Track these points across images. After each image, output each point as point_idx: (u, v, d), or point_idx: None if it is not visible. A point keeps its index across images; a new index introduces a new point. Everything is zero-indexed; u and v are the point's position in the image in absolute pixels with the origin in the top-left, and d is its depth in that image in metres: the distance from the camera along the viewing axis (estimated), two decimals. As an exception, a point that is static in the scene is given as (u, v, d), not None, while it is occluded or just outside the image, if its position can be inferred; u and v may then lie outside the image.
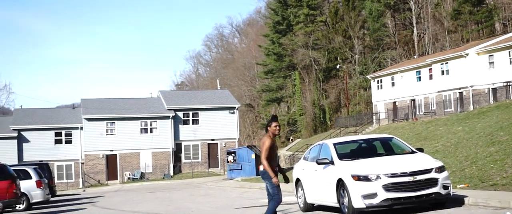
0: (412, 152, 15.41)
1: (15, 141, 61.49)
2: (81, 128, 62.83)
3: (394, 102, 64.70)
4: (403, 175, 13.78)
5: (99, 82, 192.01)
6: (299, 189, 17.33)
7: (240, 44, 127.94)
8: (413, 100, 62.01)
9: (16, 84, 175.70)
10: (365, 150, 15.84)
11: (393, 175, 13.78)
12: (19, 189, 24.23)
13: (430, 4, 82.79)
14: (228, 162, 52.77)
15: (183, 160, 64.49)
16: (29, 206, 27.73)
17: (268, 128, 12.25)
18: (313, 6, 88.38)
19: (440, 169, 14.13)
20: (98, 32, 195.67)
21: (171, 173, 62.76)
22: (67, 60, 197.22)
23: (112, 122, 63.09)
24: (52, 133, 63.02)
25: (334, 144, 15.89)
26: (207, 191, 34.47)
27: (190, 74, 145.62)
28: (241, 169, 49.81)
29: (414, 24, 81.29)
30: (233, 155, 52.41)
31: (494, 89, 50.76)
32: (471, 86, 53.35)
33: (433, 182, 13.85)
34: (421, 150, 15.64)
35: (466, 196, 15.13)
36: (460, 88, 54.85)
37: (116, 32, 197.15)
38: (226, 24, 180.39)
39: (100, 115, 62.73)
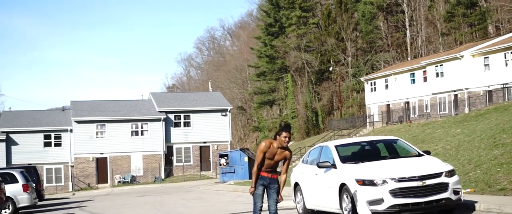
0: (419, 155, 14.50)
1: (4, 144, 60.34)
2: (71, 131, 61.79)
3: (388, 105, 64.05)
4: (411, 179, 12.87)
5: (90, 85, 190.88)
6: (298, 193, 16.50)
7: (232, 46, 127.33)
8: (407, 102, 61.37)
9: (6, 87, 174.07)
10: (369, 152, 14.95)
11: (401, 180, 12.88)
12: (4, 193, 23.31)
13: (423, 7, 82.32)
14: (220, 165, 51.93)
15: (175, 163, 63.56)
16: (16, 211, 26.79)
17: (277, 136, 11.33)
18: (305, 8, 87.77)
19: (451, 173, 13.24)
20: (90, 35, 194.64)
21: (163, 176, 61.84)
22: (58, 63, 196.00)
23: (102, 125, 62.09)
24: (41, 135, 61.93)
25: (336, 146, 15.00)
26: (200, 195, 33.66)
27: (181, 77, 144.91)
28: (234, 172, 49.00)
29: (407, 27, 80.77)
30: (225, 158, 51.58)
31: (490, 92, 50.18)
32: (466, 88, 52.73)
33: (443, 187, 12.95)
34: (428, 152, 14.75)
35: (476, 202, 14.32)
36: (455, 91, 54.24)
37: (107, 35, 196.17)
38: (218, 27, 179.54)
39: (90, 117, 61.72)
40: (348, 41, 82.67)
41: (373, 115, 64.12)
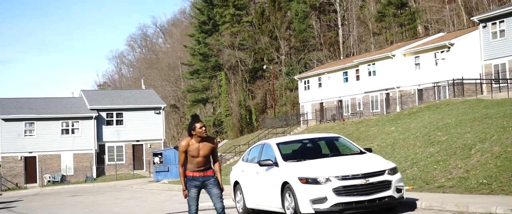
0: (361, 152, 14.37)
1: None
2: (-2, 129, 59.96)
3: (321, 103, 64.53)
4: (355, 177, 12.72)
5: (19, 83, 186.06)
6: (238, 192, 16.20)
7: (165, 44, 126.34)
8: (340, 101, 61.96)
9: None
10: (311, 150, 14.75)
11: (344, 178, 12.72)
12: None
13: (355, 6, 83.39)
14: (154, 163, 51.27)
15: (107, 162, 62.44)
16: None
17: (192, 131, 10.24)
18: (239, 6, 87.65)
19: (393, 171, 13.16)
20: (20, 32, 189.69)
21: (94, 176, 60.66)
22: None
23: (31, 122, 60.44)
24: (-33, 134, 59.92)
25: (278, 144, 14.72)
26: (133, 194, 33.05)
27: (113, 75, 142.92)
28: (168, 171, 48.42)
29: (340, 26, 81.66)
30: (159, 156, 50.97)
31: (420, 90, 51.09)
32: (398, 87, 53.55)
33: (386, 185, 12.86)
34: (369, 150, 14.64)
35: (417, 199, 14.34)
36: (386, 89, 55.01)
37: (37, 32, 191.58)
38: (150, 24, 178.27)
39: (18, 115, 59.98)
40: (281, 39, 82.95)
41: (306, 113, 64.50)
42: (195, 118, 10.38)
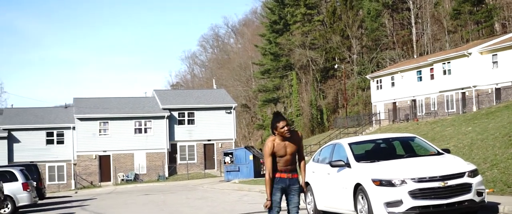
0: (439, 153, 13.63)
1: (5, 141, 59.73)
2: (74, 128, 61.11)
3: (394, 103, 63.31)
4: (432, 179, 12.01)
5: (94, 83, 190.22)
6: (309, 194, 15.72)
7: (236, 44, 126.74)
8: (414, 100, 60.63)
9: (9, 84, 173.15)
10: (385, 150, 14.11)
11: (421, 180, 12.03)
12: (3, 192, 22.63)
13: (429, 4, 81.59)
14: (225, 163, 51.21)
15: (178, 161, 62.84)
16: (15, 210, 26.09)
17: (274, 130, 9.55)
18: (310, 5, 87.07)
19: (474, 173, 12.40)
20: (93, 33, 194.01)
21: (166, 175, 61.13)
22: (61, 61, 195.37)
23: (105, 122, 61.39)
24: (44, 132, 61.26)
25: (350, 144, 14.15)
26: (204, 194, 32.94)
27: (185, 75, 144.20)
28: (239, 171, 48.24)
29: (413, 24, 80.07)
30: (230, 156, 50.85)
31: (498, 89, 49.46)
32: (474, 86, 52.01)
33: (466, 188, 12.12)
34: (447, 150, 13.90)
35: (498, 203, 13.52)
36: (462, 89, 53.50)
37: (111, 33, 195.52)
38: (222, 24, 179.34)
39: (93, 114, 61.03)
40: (353, 38, 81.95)
41: (379, 113, 63.41)
42: (277, 116, 9.58)
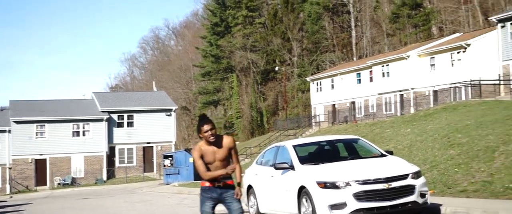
0: (382, 155, 13.59)
1: None
2: (9, 131, 59.55)
3: (334, 105, 63.78)
4: (376, 181, 11.95)
5: (31, 85, 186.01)
6: (251, 197, 15.50)
7: (177, 46, 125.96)
8: (353, 102, 61.18)
9: None
10: (329, 152, 13.99)
11: (365, 182, 11.94)
12: None
13: (369, 7, 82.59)
14: (164, 166, 50.61)
15: (117, 164, 61.84)
16: None
17: (200, 134, 8.85)
18: (252, 7, 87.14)
19: (417, 175, 12.38)
20: (30, 34, 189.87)
21: (105, 178, 60.08)
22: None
23: (42, 125, 59.96)
24: (-23, 136, 59.59)
25: (294, 146, 13.97)
26: (143, 197, 32.41)
27: (125, 77, 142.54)
28: (179, 174, 47.73)
29: (353, 27, 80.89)
30: (170, 158, 50.28)
31: (435, 92, 50.27)
32: (412, 88, 52.74)
33: (409, 190, 12.08)
34: (390, 152, 13.89)
35: (440, 205, 13.56)
36: (401, 91, 54.20)
37: (49, 34, 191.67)
38: (163, 26, 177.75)
39: (29, 117, 59.51)
40: (294, 41, 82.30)
41: (318, 115, 63.77)
42: (202, 119, 8.88)
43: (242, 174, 9.30)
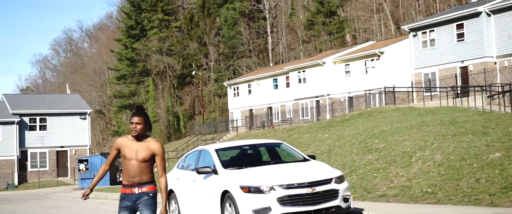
0: (305, 160, 13.70)
1: None
2: None
3: (251, 110, 64.03)
4: (300, 186, 12.01)
5: None
6: (173, 202, 15.30)
7: (90, 49, 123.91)
8: (270, 108, 61.59)
9: None
10: (251, 157, 13.97)
11: (289, 186, 11.99)
12: None
13: (284, 14, 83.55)
14: (79, 170, 49.55)
15: (29, 169, 60.03)
16: None
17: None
18: (168, 11, 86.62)
19: (340, 179, 12.53)
20: None
21: (16, 183, 58.20)
22: None
23: (-52, 128, 57.58)
24: None
25: (216, 150, 13.91)
26: (58, 203, 31.56)
27: (36, 79, 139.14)
28: (94, 178, 46.79)
29: (269, 33, 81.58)
30: (85, 163, 49.29)
31: (351, 98, 51.19)
32: (328, 94, 53.52)
33: (333, 194, 12.21)
34: (313, 157, 14.00)
35: (362, 209, 13.78)
36: (317, 97, 54.92)
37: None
38: (76, 28, 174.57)
39: None
40: (210, 45, 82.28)
41: (236, 120, 63.88)
42: (136, 109, 8.09)
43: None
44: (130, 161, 7.88)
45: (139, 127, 7.88)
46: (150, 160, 7.94)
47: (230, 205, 12.50)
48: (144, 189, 7.88)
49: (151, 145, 7.94)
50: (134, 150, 7.89)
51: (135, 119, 7.90)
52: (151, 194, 7.90)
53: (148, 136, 8.10)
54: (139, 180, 7.88)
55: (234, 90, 67.14)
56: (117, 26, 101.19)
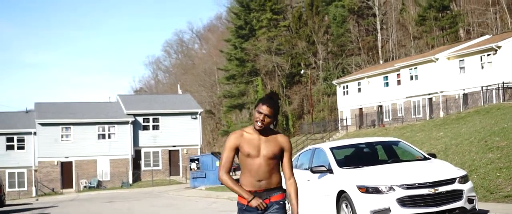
0: (425, 158, 13.01)
1: (-36, 147, 57.99)
2: (35, 133, 59.47)
3: (361, 108, 63.04)
4: (421, 186, 11.36)
5: (55, 88, 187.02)
6: (286, 201, 14.94)
7: (201, 49, 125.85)
8: (380, 106, 60.41)
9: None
10: (368, 155, 13.45)
11: (410, 186, 11.37)
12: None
13: (395, 10, 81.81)
14: (191, 169, 50.26)
15: (143, 168, 61.57)
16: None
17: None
18: (276, 10, 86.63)
19: (464, 179, 11.79)
20: (55, 36, 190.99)
21: (130, 181, 59.84)
22: (24, 64, 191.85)
23: (68, 127, 59.88)
24: (4, 138, 59.53)
25: (331, 149, 13.44)
26: (170, 201, 31.99)
27: (149, 80, 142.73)
28: (205, 177, 47.32)
29: (379, 30, 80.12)
30: (196, 162, 49.94)
31: (465, 95, 49.39)
32: (441, 91, 51.89)
33: (457, 195, 11.49)
34: (433, 155, 13.29)
35: (488, 211, 12.95)
36: (429, 94, 53.37)
37: (74, 37, 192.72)
38: (186, 30, 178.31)
39: (55, 119, 59.44)
40: (319, 44, 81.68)
41: (345, 119, 63.09)
42: (267, 96, 6.32)
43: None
44: (254, 160, 6.17)
45: (267, 119, 6.17)
46: (279, 158, 6.30)
47: (346, 206, 12.03)
48: (275, 198, 6.33)
49: (279, 137, 6.31)
50: (258, 145, 6.19)
51: (265, 109, 6.14)
52: (281, 203, 6.39)
53: (273, 129, 6.40)
54: (267, 185, 6.24)
55: (343, 88, 66.32)
56: (226, 26, 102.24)
